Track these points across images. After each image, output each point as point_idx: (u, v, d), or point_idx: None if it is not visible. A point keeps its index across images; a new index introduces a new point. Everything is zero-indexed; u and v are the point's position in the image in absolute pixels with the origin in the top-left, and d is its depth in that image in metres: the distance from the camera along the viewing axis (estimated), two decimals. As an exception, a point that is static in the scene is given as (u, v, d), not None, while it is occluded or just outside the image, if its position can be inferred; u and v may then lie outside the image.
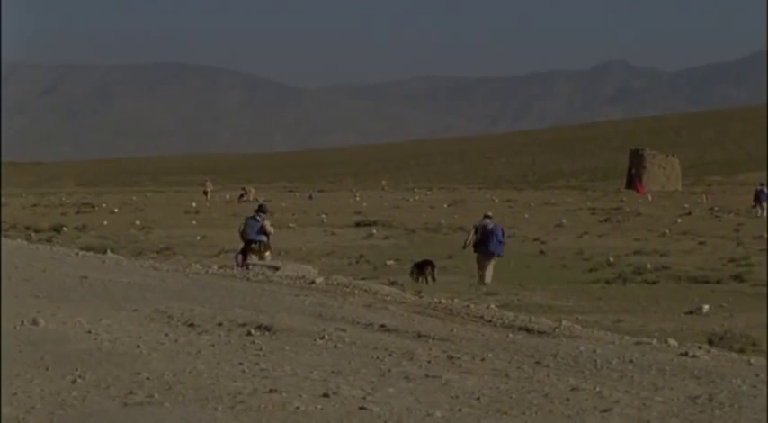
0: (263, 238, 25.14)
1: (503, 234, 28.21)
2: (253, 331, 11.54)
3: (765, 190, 55.67)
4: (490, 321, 13.59)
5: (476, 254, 27.98)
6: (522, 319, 13.70)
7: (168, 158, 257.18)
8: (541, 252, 36.09)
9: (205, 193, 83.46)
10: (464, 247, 28.62)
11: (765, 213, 52.64)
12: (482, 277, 27.35)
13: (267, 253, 25.02)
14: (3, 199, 65.68)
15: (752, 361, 10.71)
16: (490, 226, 28.12)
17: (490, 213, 30.18)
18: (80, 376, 8.80)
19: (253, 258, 24.21)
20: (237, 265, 23.75)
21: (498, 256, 27.98)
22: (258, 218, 25.36)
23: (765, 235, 42.11)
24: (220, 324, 12.00)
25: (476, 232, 28.24)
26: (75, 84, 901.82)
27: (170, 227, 48.40)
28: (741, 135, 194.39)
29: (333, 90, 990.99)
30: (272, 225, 26.26)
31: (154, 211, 63.99)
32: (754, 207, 54.43)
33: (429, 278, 27.00)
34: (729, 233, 44.71)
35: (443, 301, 15.60)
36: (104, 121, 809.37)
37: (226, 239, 40.11)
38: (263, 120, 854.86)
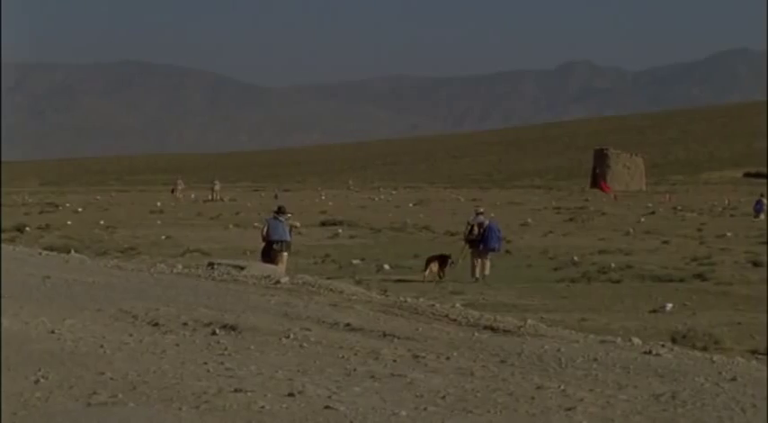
0: (288, 237, 25.48)
1: (498, 229, 28.82)
2: (218, 331, 11.52)
3: (764, 200, 55.84)
4: (455, 320, 13.62)
5: (471, 249, 28.34)
6: (488, 318, 13.73)
7: (133, 158, 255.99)
8: (507, 251, 36.11)
9: (173, 190, 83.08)
10: (466, 242, 28.96)
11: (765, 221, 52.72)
12: (475, 271, 27.73)
13: (285, 253, 25.36)
14: None
15: (714, 359, 10.79)
16: (487, 222, 28.69)
17: (482, 209, 30.67)
18: (43, 376, 8.74)
19: (279, 257, 24.91)
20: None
21: (497, 250, 28.51)
22: (281, 219, 25.74)
23: (729, 234, 42.46)
24: (185, 324, 11.98)
25: (471, 228, 28.68)
26: (38, 82, 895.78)
27: (135, 226, 48.18)
28: (704, 135, 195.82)
29: (298, 89, 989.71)
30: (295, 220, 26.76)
31: (118, 210, 63.69)
32: (757, 217, 54.57)
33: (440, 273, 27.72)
34: (692, 232, 45.03)
35: (409, 300, 15.62)
36: (68, 120, 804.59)
37: (191, 239, 40.01)
38: (228, 119, 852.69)
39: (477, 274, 27.77)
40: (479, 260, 28.15)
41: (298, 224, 26.51)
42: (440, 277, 27.44)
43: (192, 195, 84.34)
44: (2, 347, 9.81)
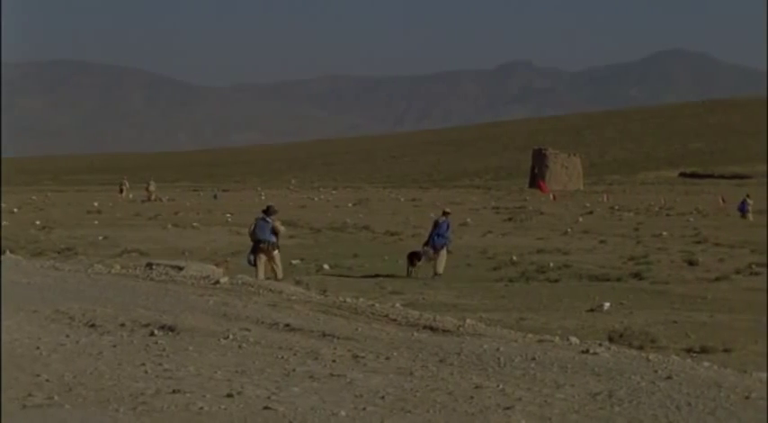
0: (273, 238, 25.62)
1: (447, 228, 29.45)
2: (156, 331, 11.45)
3: (749, 200, 56.35)
4: (395, 320, 13.64)
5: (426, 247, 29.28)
6: (427, 318, 13.77)
7: (70, 157, 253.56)
8: (447, 251, 36.25)
9: (121, 190, 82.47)
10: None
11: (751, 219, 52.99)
12: (434, 268, 28.55)
13: (276, 252, 25.58)
14: None
15: (650, 358, 10.90)
16: (440, 220, 29.45)
17: (448, 209, 31.32)
18: (-22, 379, 8.63)
19: (262, 258, 25.11)
20: (250, 264, 25.08)
21: (441, 247, 29.03)
22: (268, 219, 25.83)
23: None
24: (123, 325, 11.89)
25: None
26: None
27: (71, 227, 47.64)
28: (641, 135, 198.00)
29: (237, 89, 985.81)
30: (282, 224, 26.93)
31: (55, 210, 62.95)
32: (743, 217, 54.91)
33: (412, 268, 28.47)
34: (629, 232, 45.43)
35: (348, 300, 15.62)
36: (4, 120, 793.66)
37: (129, 239, 39.64)
38: (167, 119, 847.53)
39: (438, 270, 28.43)
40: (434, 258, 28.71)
41: (282, 229, 26.41)
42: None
43: (131, 195, 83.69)
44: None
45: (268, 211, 26.18)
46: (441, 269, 28.39)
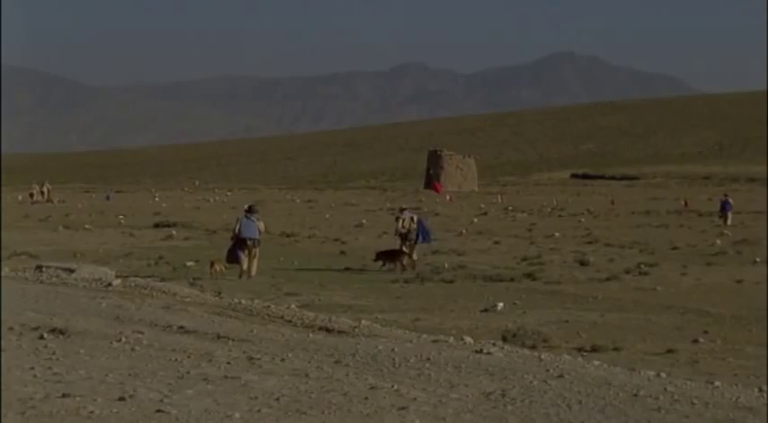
0: (258, 235, 27.05)
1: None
2: (46, 335, 11.28)
3: (730, 200, 55.49)
4: (290, 322, 13.63)
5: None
6: (323, 319, 13.78)
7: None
8: (342, 252, 36.26)
9: (31, 195, 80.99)
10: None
11: (729, 222, 52.29)
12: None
13: (257, 249, 26.97)
14: None
15: (543, 357, 11.05)
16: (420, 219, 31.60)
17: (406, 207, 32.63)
18: None
19: (245, 254, 26.60)
20: (238, 260, 26.60)
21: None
22: (253, 218, 27.34)
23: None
24: (11, 328, 11.68)
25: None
26: None
27: (-42, 229, 46.58)
28: (534, 136, 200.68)
29: (130, 89, 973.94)
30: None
31: (-59, 212, 61.47)
32: (721, 217, 53.98)
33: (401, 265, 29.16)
34: (523, 232, 45.95)
35: (243, 301, 15.55)
36: None
37: (18, 241, 38.89)
38: (57, 119, 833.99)
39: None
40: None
41: (262, 228, 27.41)
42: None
43: (20, 197, 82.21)
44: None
45: (251, 211, 27.88)
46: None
